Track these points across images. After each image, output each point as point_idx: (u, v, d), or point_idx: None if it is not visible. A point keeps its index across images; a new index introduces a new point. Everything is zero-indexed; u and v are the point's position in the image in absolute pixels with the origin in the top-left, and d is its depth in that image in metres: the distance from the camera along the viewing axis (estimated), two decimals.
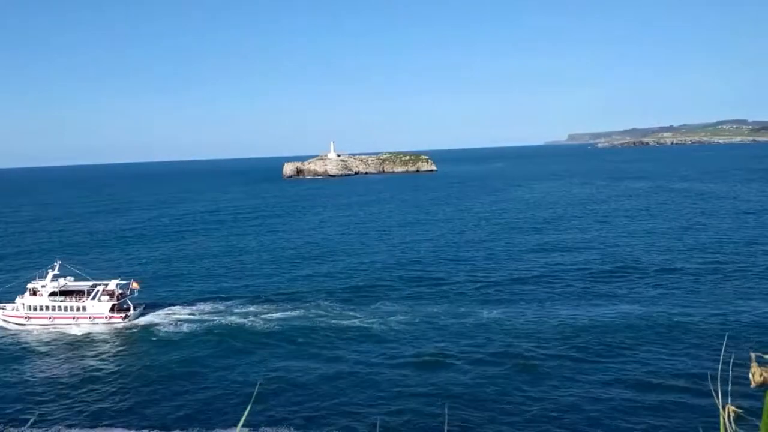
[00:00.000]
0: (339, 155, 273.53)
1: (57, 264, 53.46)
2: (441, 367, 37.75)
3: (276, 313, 51.46)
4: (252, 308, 53.19)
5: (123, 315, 50.89)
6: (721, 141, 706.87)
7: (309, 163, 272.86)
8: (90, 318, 50.73)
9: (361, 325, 46.79)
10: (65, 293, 51.92)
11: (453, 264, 68.99)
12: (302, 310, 51.53)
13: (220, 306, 54.26)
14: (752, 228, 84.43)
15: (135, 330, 49.12)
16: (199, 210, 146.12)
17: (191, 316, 51.30)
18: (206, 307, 53.98)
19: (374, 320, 47.83)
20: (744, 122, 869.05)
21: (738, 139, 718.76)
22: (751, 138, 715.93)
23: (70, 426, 32.03)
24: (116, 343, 46.37)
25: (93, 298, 51.30)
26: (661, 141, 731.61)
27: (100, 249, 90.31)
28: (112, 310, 50.91)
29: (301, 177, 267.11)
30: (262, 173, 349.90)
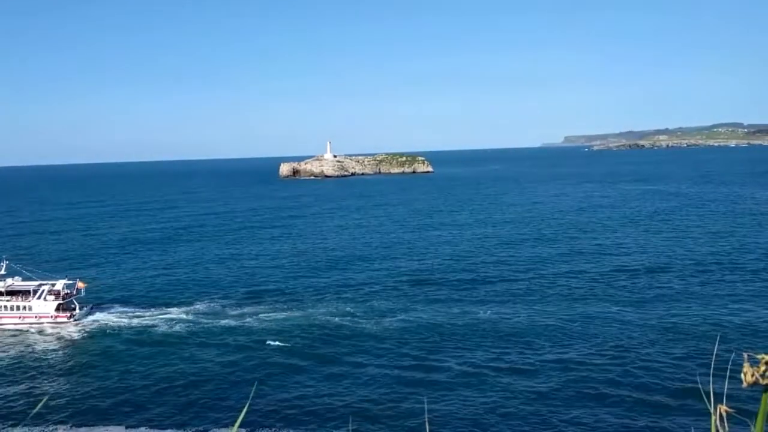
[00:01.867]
0: (335, 156, 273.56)
1: (3, 264, 53.79)
2: (435, 367, 37.84)
3: (269, 313, 51.22)
4: (237, 309, 52.93)
5: (69, 314, 51.50)
6: (716, 144, 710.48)
7: (305, 164, 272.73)
8: (36, 317, 51.38)
9: (357, 325, 46.74)
10: (11, 293, 52.45)
11: (450, 265, 69.06)
12: (297, 311, 51.35)
13: (202, 307, 54.25)
14: (745, 230, 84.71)
15: (84, 329, 49.40)
16: (195, 211, 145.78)
17: (154, 317, 51.36)
18: (187, 308, 53.67)
19: (371, 320, 47.85)
20: (739, 125, 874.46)
21: (733, 142, 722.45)
22: (746, 141, 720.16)
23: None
24: (74, 342, 46.66)
25: (39, 298, 51.88)
26: (657, 144, 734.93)
27: (94, 255, 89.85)
28: (57, 309, 51.52)
29: (297, 177, 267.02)
30: (258, 173, 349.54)
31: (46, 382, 38.37)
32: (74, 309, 52.22)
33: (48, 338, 47.83)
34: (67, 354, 43.82)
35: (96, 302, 55.63)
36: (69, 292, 53.21)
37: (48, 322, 50.98)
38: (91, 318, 51.79)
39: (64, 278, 54.95)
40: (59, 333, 48.84)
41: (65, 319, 51.14)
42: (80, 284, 54.13)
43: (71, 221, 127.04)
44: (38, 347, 45.73)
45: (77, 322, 51.01)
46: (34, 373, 40.12)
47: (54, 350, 44.84)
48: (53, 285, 53.13)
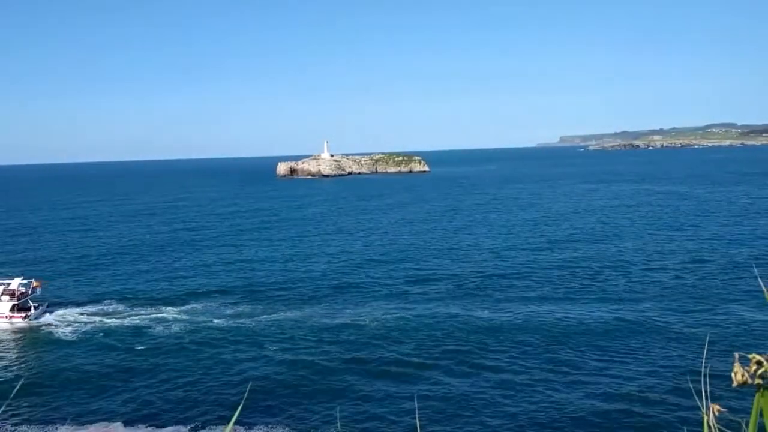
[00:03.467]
0: (332, 155, 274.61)
1: None
2: (430, 366, 38.27)
3: (266, 314, 51.74)
4: (232, 309, 53.30)
5: (24, 315, 50.94)
6: (710, 144, 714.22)
7: (303, 163, 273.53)
8: None
9: (354, 325, 46.86)
10: None
11: (447, 265, 69.75)
12: (295, 311, 51.48)
13: (198, 306, 54.47)
14: (734, 229, 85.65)
15: (43, 329, 48.84)
16: (189, 210, 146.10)
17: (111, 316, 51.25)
18: (180, 307, 53.43)
19: (367, 320, 48.04)
20: (733, 125, 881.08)
21: (727, 142, 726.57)
22: (739, 141, 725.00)
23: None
24: (50, 340, 46.34)
25: None
26: (652, 144, 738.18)
27: (75, 255, 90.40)
28: (12, 309, 50.87)
29: (294, 176, 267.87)
30: (256, 172, 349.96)
31: (32, 379, 38.40)
32: (29, 309, 51.54)
33: (20, 337, 47.45)
34: (47, 353, 43.50)
35: (78, 302, 55.28)
36: (24, 291, 52.46)
37: (3, 322, 50.26)
38: (52, 318, 51.14)
39: (19, 277, 53.96)
40: (31, 332, 48.31)
41: (20, 320, 50.39)
42: (35, 283, 53.46)
43: (59, 219, 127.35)
44: (13, 346, 45.32)
45: (30, 322, 50.34)
46: (15, 370, 40.10)
47: (30, 349, 44.55)
48: (8, 284, 52.20)
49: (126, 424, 32.16)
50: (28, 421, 32.67)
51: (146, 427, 31.89)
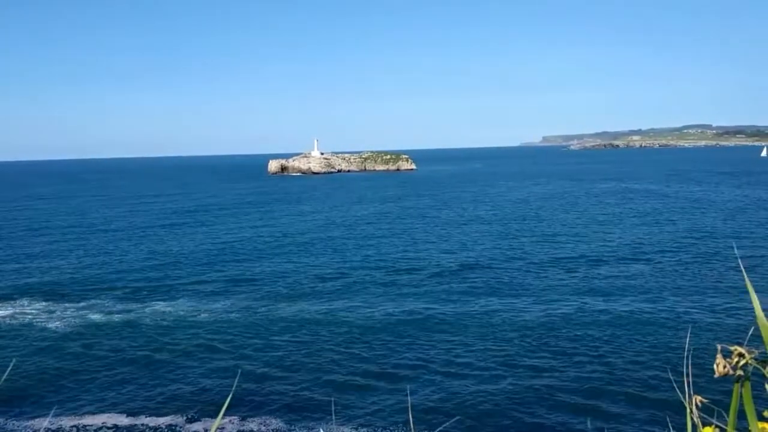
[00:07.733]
0: (322, 153, 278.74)
1: None
2: (419, 358, 38.99)
3: (256, 304, 54.45)
4: (218, 303, 55.77)
5: None
6: (686, 144, 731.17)
7: (293, 161, 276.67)
8: None
9: (346, 318, 47.58)
10: None
11: (437, 260, 72.94)
12: (285, 304, 52.17)
13: (181, 301, 56.92)
14: (717, 224, 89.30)
15: (30, 321, 47.18)
16: (183, 203, 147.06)
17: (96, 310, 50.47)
18: (170, 303, 54.42)
19: (361, 313, 49.08)
20: (708, 127, 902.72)
21: (702, 143, 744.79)
22: (714, 142, 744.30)
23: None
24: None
25: None
26: (631, 144, 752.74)
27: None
28: None
29: (285, 174, 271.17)
30: (247, 169, 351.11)
31: (21, 369, 37.86)
32: None
33: (7, 329, 46.43)
34: (35, 344, 42.93)
35: (67, 295, 54.86)
36: None
37: None
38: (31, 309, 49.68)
39: None
40: (17, 324, 46.95)
41: None
42: None
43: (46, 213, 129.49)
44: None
45: None
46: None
47: (16, 340, 43.68)
48: None
49: (126, 414, 32.75)
50: (20, 411, 32.49)
51: (145, 417, 32.55)
